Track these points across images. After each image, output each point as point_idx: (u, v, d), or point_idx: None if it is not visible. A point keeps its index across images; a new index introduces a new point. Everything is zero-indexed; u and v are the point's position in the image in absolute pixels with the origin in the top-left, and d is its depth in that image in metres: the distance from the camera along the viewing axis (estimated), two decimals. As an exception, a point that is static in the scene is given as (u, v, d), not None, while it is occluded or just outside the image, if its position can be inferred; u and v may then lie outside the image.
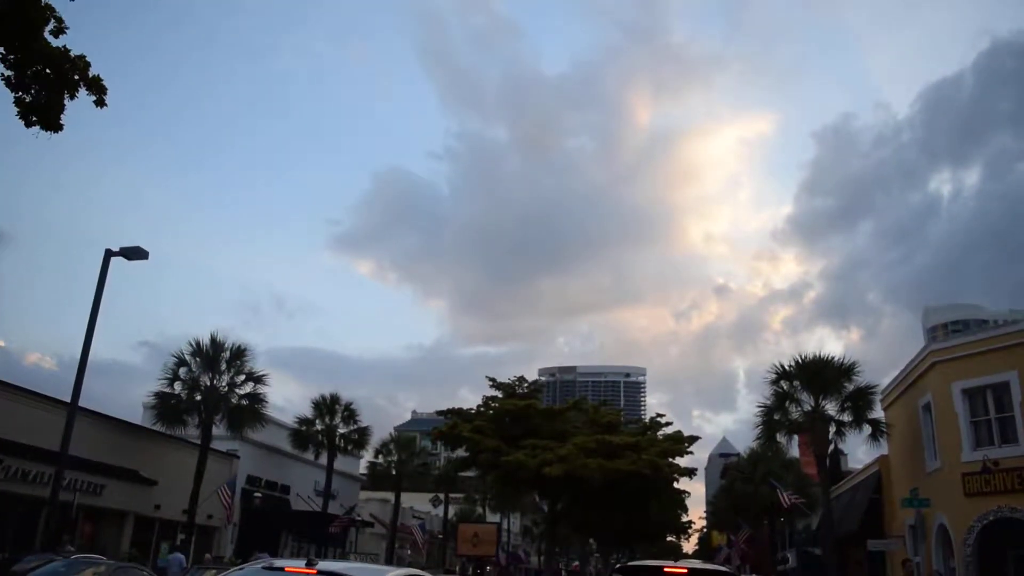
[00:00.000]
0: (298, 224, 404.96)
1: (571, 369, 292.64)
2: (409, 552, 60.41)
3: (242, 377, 31.94)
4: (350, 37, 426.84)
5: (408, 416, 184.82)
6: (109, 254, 22.35)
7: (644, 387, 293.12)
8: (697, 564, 11.37)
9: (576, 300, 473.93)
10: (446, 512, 60.05)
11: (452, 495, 71.42)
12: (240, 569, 7.20)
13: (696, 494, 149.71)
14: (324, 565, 6.48)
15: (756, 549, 54.08)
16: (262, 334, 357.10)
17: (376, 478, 49.88)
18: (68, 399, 30.45)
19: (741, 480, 41.65)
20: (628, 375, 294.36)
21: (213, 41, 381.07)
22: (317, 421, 41.22)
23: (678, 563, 10.48)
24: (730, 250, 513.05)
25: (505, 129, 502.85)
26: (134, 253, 22.62)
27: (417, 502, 69.78)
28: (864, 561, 32.01)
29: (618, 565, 10.63)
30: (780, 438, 26.81)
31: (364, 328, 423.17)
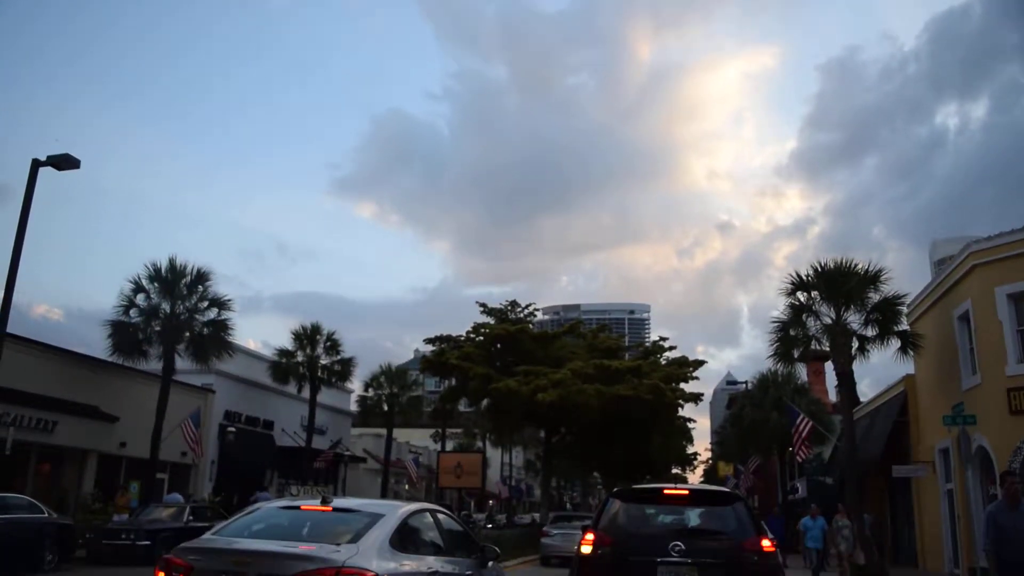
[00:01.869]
0: (298, 169, 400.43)
1: (575, 307, 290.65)
2: (407, 487, 58.64)
3: (205, 303, 29.22)
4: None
5: (411, 356, 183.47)
6: (37, 164, 20.18)
7: (648, 324, 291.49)
8: (699, 486, 10.55)
9: (579, 239, 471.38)
10: (443, 447, 57.98)
11: (452, 430, 69.61)
12: (254, 508, 7.32)
13: (701, 428, 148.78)
14: (339, 502, 7.02)
15: (764, 479, 52.05)
16: (266, 280, 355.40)
17: (367, 412, 47.47)
18: (73, 349, 28.25)
19: (751, 406, 39.09)
20: (632, 312, 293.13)
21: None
22: (299, 353, 38.75)
23: (679, 485, 10.07)
24: (733, 186, 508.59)
25: (504, 68, 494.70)
26: (64, 162, 20.52)
27: (415, 437, 67.92)
28: (886, 489, 29.65)
29: (615, 489, 9.95)
30: (796, 354, 24.03)
31: (367, 272, 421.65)
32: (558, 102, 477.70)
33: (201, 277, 28.99)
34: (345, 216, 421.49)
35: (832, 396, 51.97)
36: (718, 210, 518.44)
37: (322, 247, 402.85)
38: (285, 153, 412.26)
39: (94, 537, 20.11)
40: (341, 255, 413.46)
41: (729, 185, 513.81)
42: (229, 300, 29.64)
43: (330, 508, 6.79)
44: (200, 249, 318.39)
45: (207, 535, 6.79)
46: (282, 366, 37.94)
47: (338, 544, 6.05)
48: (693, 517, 9.15)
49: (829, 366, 54.46)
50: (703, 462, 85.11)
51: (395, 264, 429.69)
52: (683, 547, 8.23)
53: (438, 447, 59.27)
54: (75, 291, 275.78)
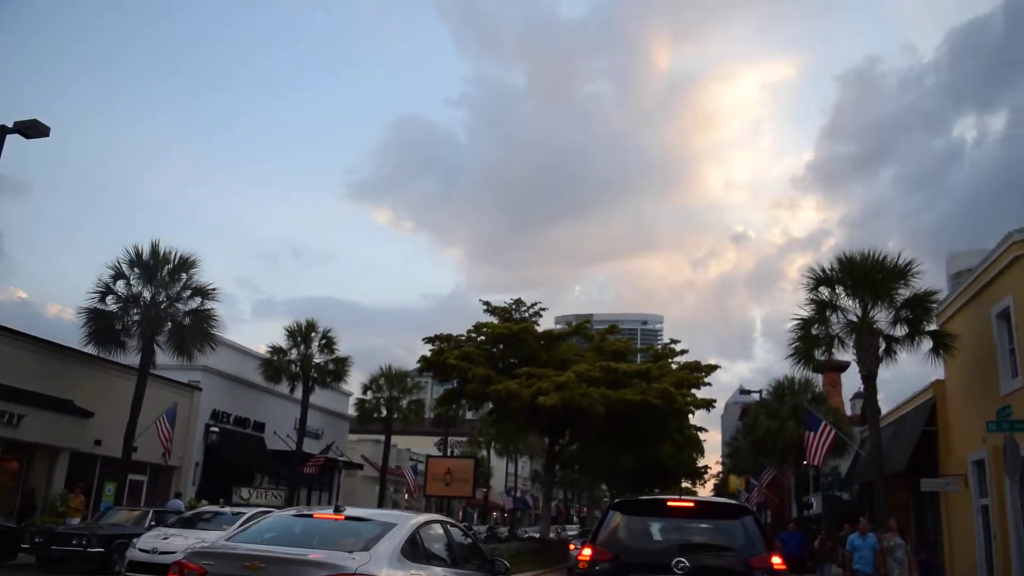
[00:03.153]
0: (315, 173, 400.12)
1: (588, 317, 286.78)
2: (406, 497, 56.82)
3: (188, 292, 27.54)
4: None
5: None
6: (3, 131, 18.84)
7: (661, 335, 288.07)
8: (706, 498, 10.11)
9: (593, 248, 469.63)
10: (445, 454, 56.11)
11: (457, 437, 67.75)
12: (262, 517, 7.85)
13: (712, 442, 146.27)
14: (351, 511, 7.38)
15: (778, 493, 49.96)
16: (280, 284, 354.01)
17: (365, 416, 45.68)
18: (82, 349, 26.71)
19: (765, 415, 37.12)
20: (645, 323, 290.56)
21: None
22: (292, 351, 37.03)
23: (684, 496, 9.67)
24: (749, 197, 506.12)
25: (522, 74, 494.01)
26: (31, 129, 19.37)
27: (416, 445, 66.03)
28: (911, 504, 27.62)
29: (615, 500, 9.77)
30: (819, 356, 22.06)
31: (381, 277, 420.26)
32: (575, 109, 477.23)
33: (185, 264, 27.33)
34: (361, 221, 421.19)
35: (848, 408, 49.96)
36: (733, 221, 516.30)
37: (337, 252, 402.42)
38: (302, 156, 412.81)
39: (42, 542, 18.42)
40: (355, 260, 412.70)
41: (745, 196, 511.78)
42: (214, 289, 27.97)
43: (342, 516, 7.09)
44: (212, 250, 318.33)
45: (221, 540, 7.09)
46: (274, 364, 36.25)
47: (350, 552, 6.20)
48: (699, 531, 8.65)
49: (845, 376, 52.77)
50: (713, 476, 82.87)
51: (409, 270, 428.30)
52: (687, 563, 7.75)
53: (441, 456, 57.50)
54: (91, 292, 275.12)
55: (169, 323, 27.13)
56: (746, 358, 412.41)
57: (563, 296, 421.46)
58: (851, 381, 73.95)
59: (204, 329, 27.51)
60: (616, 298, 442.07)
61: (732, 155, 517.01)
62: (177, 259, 27.21)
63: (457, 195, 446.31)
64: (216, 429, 33.35)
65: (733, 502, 10.03)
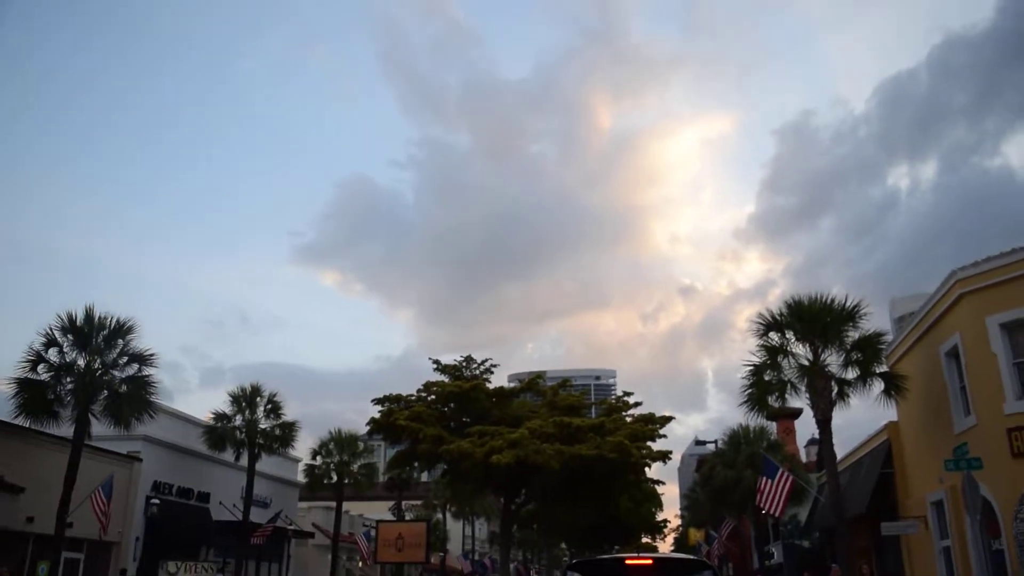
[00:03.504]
0: (260, 237, 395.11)
1: (540, 373, 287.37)
2: (359, 564, 55.11)
3: (124, 358, 26.45)
4: (307, 45, 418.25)
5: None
6: None
7: (614, 389, 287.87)
8: (665, 555, 10.06)
9: (543, 306, 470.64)
10: (399, 519, 54.65)
11: (412, 501, 66.24)
12: None
13: (670, 494, 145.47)
14: None
15: (739, 543, 49.48)
16: (228, 351, 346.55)
17: (315, 483, 44.31)
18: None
19: (721, 465, 36.73)
20: (598, 377, 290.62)
21: (174, 49, 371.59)
22: (237, 416, 35.83)
23: (642, 554, 9.32)
24: (695, 250, 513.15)
25: (468, 135, 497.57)
26: None
27: (370, 510, 64.32)
28: (872, 548, 27.34)
29: (573, 561, 9.31)
30: (773, 402, 21.82)
31: (331, 341, 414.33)
32: (521, 169, 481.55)
33: (121, 329, 26.22)
34: (309, 284, 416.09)
35: (803, 455, 49.95)
36: (680, 274, 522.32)
37: (286, 316, 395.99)
38: (247, 220, 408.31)
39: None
40: (305, 324, 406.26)
41: (690, 249, 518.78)
42: (152, 355, 26.80)
43: None
44: (156, 317, 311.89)
45: None
46: (218, 431, 34.93)
47: None
48: None
49: (799, 423, 52.98)
50: (673, 529, 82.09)
51: (359, 333, 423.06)
52: None
53: (392, 520, 55.95)
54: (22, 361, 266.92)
55: (105, 391, 25.94)
56: (699, 409, 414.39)
57: (516, 354, 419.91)
58: (804, 428, 74.29)
59: (142, 397, 26.32)
60: (568, 354, 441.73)
61: (676, 210, 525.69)
62: (113, 324, 26.13)
63: (406, 256, 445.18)
64: (157, 501, 31.89)
65: (692, 557, 10.11)
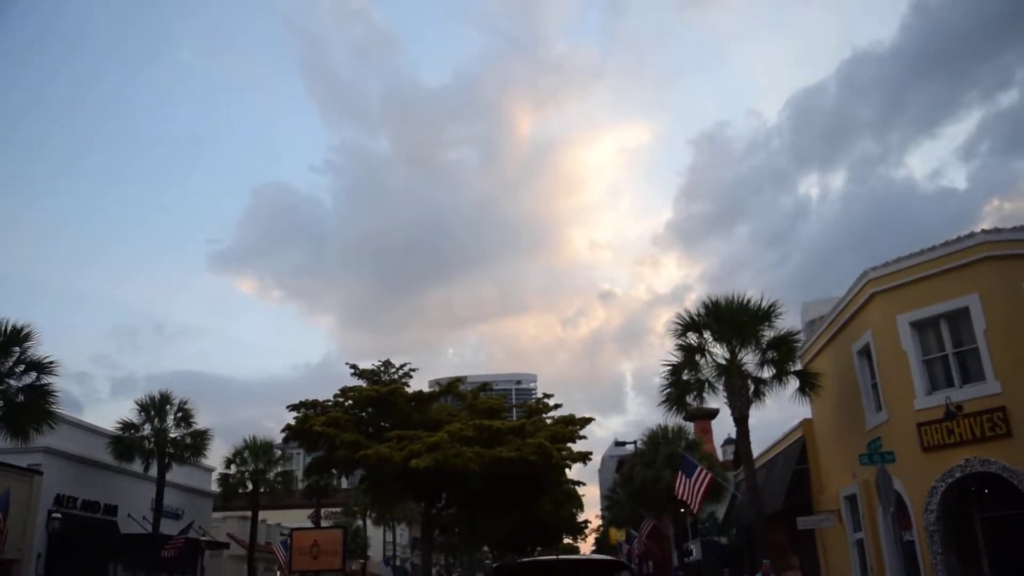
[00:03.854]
0: (175, 243, 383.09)
1: (461, 378, 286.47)
2: (278, 574, 53.73)
3: (21, 367, 25.07)
4: (226, 51, 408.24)
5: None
6: None
7: (535, 393, 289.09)
8: (583, 556, 9.99)
9: (464, 311, 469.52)
10: (318, 526, 53.53)
11: (331, 508, 65.02)
12: None
13: (591, 496, 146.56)
14: None
15: (659, 542, 49.93)
16: (141, 360, 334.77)
17: (229, 492, 43.04)
18: None
19: (641, 465, 36.96)
20: (519, 382, 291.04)
21: (80, 47, 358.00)
22: (145, 426, 34.44)
23: (561, 556, 9.96)
24: (614, 256, 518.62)
25: (388, 141, 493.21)
26: None
27: (288, 519, 62.83)
28: (788, 543, 27.78)
29: (495, 565, 10.22)
30: (691, 401, 21.95)
31: (249, 349, 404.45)
32: (442, 176, 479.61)
33: (18, 336, 24.82)
34: (225, 292, 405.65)
35: (720, 454, 50.77)
36: (600, 280, 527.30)
37: (201, 324, 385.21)
38: (160, 227, 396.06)
39: None
40: (222, 332, 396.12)
41: (610, 255, 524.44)
42: (52, 363, 25.46)
43: None
44: (62, 327, 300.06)
45: None
46: (125, 441, 33.51)
47: None
48: None
49: (716, 424, 53.83)
50: (594, 530, 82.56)
51: (277, 340, 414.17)
52: None
53: (307, 528, 54.72)
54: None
55: (1, 402, 24.59)
56: (619, 412, 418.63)
57: (436, 360, 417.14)
58: (721, 428, 75.83)
59: (41, 407, 25.00)
60: (489, 359, 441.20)
61: (595, 216, 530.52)
62: (8, 330, 24.79)
63: (325, 262, 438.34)
64: (59, 515, 30.38)
65: (610, 558, 10.68)
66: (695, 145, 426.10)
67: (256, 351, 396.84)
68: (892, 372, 18.85)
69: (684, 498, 25.54)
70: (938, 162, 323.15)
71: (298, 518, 62.63)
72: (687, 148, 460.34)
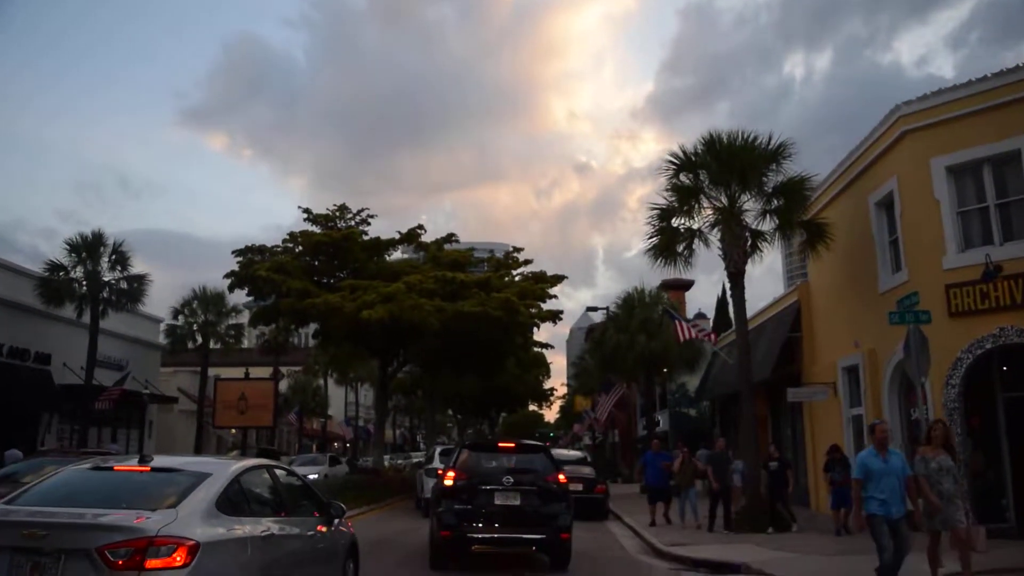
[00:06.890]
0: (142, 98, 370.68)
1: (450, 237, 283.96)
2: (232, 432, 52.06)
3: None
4: None
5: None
6: None
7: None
8: (521, 441, 14.21)
9: (439, 177, 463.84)
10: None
11: (291, 368, 63.13)
12: (56, 472, 6.57)
13: (558, 366, 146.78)
14: (159, 461, 6.50)
15: (627, 412, 48.55)
16: (107, 216, 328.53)
17: (177, 344, 40.55)
18: None
19: (614, 329, 34.70)
20: (492, 252, 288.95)
21: None
22: (77, 268, 31.37)
23: (507, 440, 16.19)
24: (592, 128, 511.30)
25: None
26: None
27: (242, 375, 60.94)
28: (767, 417, 25.80)
29: (464, 443, 14.49)
30: (681, 251, 19.17)
31: (219, 208, 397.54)
32: (419, 35, 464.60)
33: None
34: (194, 149, 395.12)
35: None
36: (576, 151, 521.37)
37: (169, 181, 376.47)
38: (127, 79, 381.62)
39: None
40: (190, 190, 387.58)
41: (588, 126, 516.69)
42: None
43: (148, 468, 6.31)
44: (27, 179, 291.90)
45: None
46: (53, 284, 30.51)
47: (154, 509, 5.44)
48: (517, 460, 12.72)
49: (690, 295, 51.70)
50: (560, 397, 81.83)
51: (248, 200, 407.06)
52: (511, 479, 12.08)
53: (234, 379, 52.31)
54: None
55: None
56: (589, 286, 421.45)
57: (409, 225, 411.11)
58: (693, 304, 73.89)
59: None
60: (463, 227, 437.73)
61: (576, 86, 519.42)
62: None
63: (298, 121, 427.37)
64: (-17, 364, 27.70)
65: (538, 443, 14.52)
66: (683, 15, 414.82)
67: (226, 211, 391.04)
68: (919, 226, 16.10)
69: (688, 337, 25.54)
70: (926, 48, 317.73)
71: (254, 375, 60.70)
72: (674, 18, 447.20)
